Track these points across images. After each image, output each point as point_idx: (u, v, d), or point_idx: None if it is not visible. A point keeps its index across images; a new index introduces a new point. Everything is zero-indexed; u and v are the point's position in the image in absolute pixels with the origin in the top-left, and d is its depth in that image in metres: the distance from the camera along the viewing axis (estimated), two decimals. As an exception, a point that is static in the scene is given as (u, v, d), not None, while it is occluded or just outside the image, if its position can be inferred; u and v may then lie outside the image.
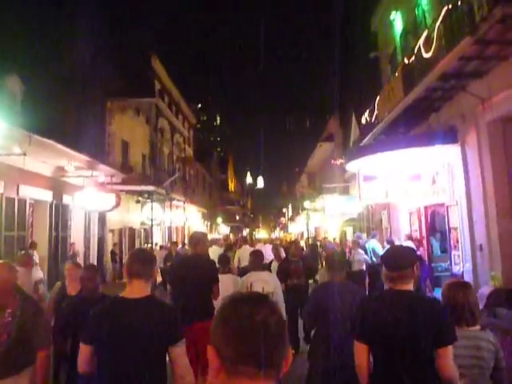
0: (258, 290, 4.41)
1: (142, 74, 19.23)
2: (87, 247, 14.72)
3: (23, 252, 7.46)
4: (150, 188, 16.77)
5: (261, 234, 76.02)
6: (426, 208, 11.64)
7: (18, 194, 10.90)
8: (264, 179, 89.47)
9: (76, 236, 14.18)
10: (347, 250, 13.42)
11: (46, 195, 12.35)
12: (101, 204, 12.59)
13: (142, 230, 21.15)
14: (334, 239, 21.40)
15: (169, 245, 21.92)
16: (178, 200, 21.81)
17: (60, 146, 10.81)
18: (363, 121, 14.37)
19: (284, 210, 77.56)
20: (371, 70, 16.10)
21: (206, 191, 40.50)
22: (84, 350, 2.40)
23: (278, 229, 79.72)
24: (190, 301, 3.98)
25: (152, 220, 17.59)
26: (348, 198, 17.81)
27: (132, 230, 19.27)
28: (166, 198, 19.33)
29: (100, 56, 17.50)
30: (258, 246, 12.85)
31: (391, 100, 10.84)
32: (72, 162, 11.90)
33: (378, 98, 12.06)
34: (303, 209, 37.39)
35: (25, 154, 8.88)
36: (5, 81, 13.50)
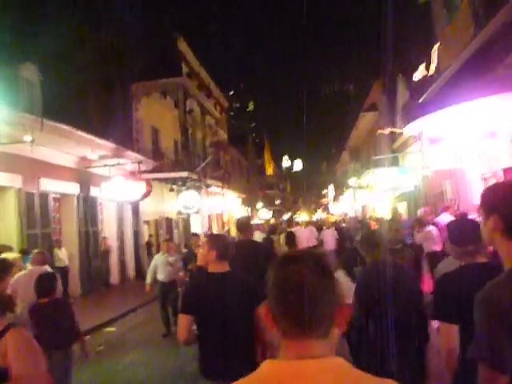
0: None
1: (167, 56, 18.00)
2: (121, 241, 13.77)
3: (37, 251, 6.37)
4: (184, 174, 15.61)
5: (302, 216, 74.54)
6: (505, 171, 9.72)
7: (38, 188, 9.94)
8: (302, 161, 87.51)
9: (108, 230, 13.24)
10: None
11: (72, 188, 11.39)
12: (130, 193, 11.51)
13: (180, 220, 20.15)
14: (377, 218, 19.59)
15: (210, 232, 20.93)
16: (215, 186, 20.62)
17: (80, 133, 9.76)
18: (415, 78, 12.43)
19: (324, 191, 75.58)
20: (420, 19, 14.05)
21: (244, 176, 39.27)
22: (183, 319, 2.67)
23: (319, 210, 77.96)
24: None
25: (189, 208, 16.50)
26: (401, 170, 15.94)
27: (169, 220, 18.28)
28: (201, 185, 18.17)
29: (122, 39, 16.38)
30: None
31: (457, 43, 9.00)
32: (96, 151, 10.83)
33: (438, 45, 10.19)
34: (347, 187, 35.50)
35: (33, 141, 7.78)
36: (20, 69, 12.58)
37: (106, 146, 11.06)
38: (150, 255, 14.89)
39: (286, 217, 59.13)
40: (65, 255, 10.41)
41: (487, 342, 1.32)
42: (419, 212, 16.43)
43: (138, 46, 16.86)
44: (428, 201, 15.78)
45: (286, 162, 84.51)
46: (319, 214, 72.30)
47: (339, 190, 48.22)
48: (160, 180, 16.86)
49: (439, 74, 10.36)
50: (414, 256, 8.15)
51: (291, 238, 5.01)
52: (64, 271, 10.39)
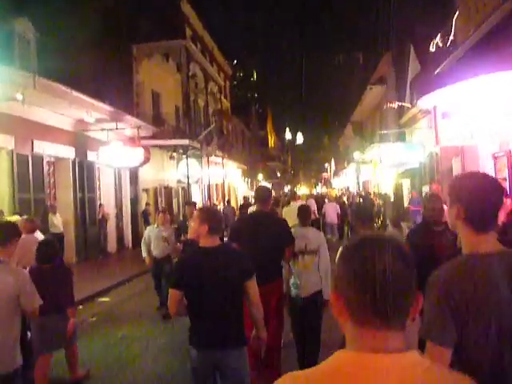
0: (301, 248, 4.12)
1: (170, 17, 17.21)
2: (119, 208, 13.46)
3: (25, 217, 6.06)
4: (185, 142, 15.15)
5: (302, 190, 74.31)
6: (518, 150, 9.31)
7: (32, 150, 9.54)
8: (304, 134, 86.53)
9: (105, 197, 12.91)
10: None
11: (67, 152, 10.98)
12: (128, 160, 11.11)
13: (180, 189, 19.81)
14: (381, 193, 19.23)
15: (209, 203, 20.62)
16: (216, 156, 20.17)
17: (75, 93, 9.25)
18: (432, 49, 11.81)
19: (326, 164, 74.96)
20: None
21: (246, 147, 38.69)
22: (173, 294, 2.71)
23: (320, 184, 77.60)
24: (260, 261, 3.37)
25: (189, 177, 16.13)
26: (408, 146, 15.48)
27: (168, 189, 17.94)
28: (202, 154, 17.73)
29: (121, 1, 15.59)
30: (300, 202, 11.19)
31: (477, 13, 8.40)
32: (92, 113, 10.35)
33: (457, 15, 9.56)
34: (349, 161, 35.01)
35: (24, 100, 7.33)
36: (15, 25, 11.93)
37: (104, 108, 10.55)
38: (147, 224, 14.63)
39: (286, 189, 58.88)
40: (59, 221, 10.11)
41: (434, 322, 1.43)
42: (425, 189, 16.12)
43: (140, 5, 16.08)
44: (434, 178, 15.40)
45: (288, 134, 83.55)
46: (320, 188, 72.04)
47: (341, 165, 47.73)
48: (160, 147, 16.40)
49: (456, 45, 9.79)
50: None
51: (306, 212, 4.45)
52: (59, 238, 10.11)
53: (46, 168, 10.12)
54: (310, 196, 20.01)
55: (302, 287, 4.01)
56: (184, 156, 16.69)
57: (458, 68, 9.20)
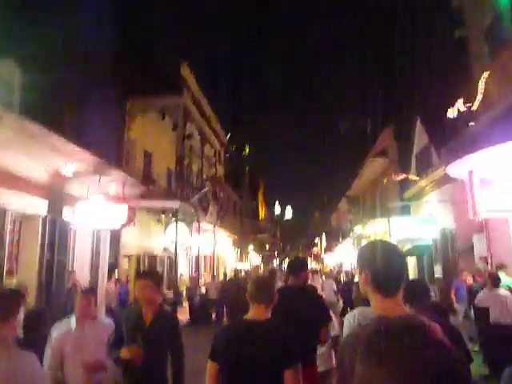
0: None
1: (168, 76, 16.60)
2: (94, 276, 11.59)
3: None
4: (176, 204, 13.71)
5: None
6: None
7: (-5, 201, 7.97)
8: (293, 208, 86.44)
9: (80, 262, 11.12)
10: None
11: (38, 207, 9.40)
12: (109, 219, 9.53)
13: (166, 258, 18.01)
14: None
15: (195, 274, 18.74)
16: (208, 222, 18.66)
17: (52, 135, 7.90)
18: (451, 115, 10.95)
19: (317, 239, 73.61)
20: (452, 55, 12.87)
21: (237, 217, 37.37)
22: (211, 367, 2.55)
23: (309, 259, 75.75)
24: None
25: (177, 244, 14.47)
26: (421, 220, 14.19)
27: (153, 257, 16.17)
28: (193, 219, 16.24)
29: (120, 54, 14.97)
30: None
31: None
32: (71, 163, 8.96)
33: (486, 75, 8.76)
34: (344, 236, 33.65)
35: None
36: (-1, 66, 10.93)
37: (85, 157, 9.19)
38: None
39: (275, 262, 56.84)
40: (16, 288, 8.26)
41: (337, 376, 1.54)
42: (437, 269, 14.57)
43: (138, 60, 15.46)
44: (448, 257, 13.96)
45: (277, 208, 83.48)
46: (309, 264, 70.07)
47: (334, 240, 46.35)
48: (148, 211, 14.93)
49: (485, 107, 8.90)
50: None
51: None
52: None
53: (8, 223, 8.47)
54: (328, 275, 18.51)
55: None
56: (173, 219, 15.19)
57: (498, 128, 8.16)
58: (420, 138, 17.01)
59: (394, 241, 16.21)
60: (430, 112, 15.58)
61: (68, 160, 9.00)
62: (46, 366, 3.24)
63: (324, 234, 61.08)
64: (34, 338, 3.63)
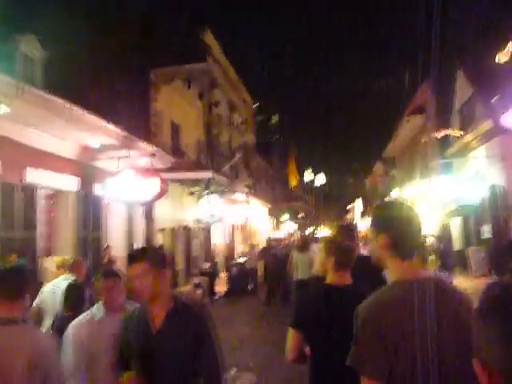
0: None
1: (191, 44, 15.96)
2: (130, 251, 11.51)
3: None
4: (208, 174, 13.38)
5: (323, 231, 71.75)
6: None
7: (22, 179, 7.82)
8: (326, 175, 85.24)
9: (114, 237, 11.05)
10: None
11: (69, 183, 9.25)
12: (140, 192, 9.28)
13: (200, 229, 17.90)
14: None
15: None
16: (242, 192, 18.33)
17: (76, 109, 7.59)
18: (501, 59, 9.91)
19: (349, 205, 72.50)
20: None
21: (269, 185, 36.97)
22: (294, 337, 2.29)
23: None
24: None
25: (211, 216, 14.23)
26: (468, 178, 13.27)
27: (187, 229, 16.05)
28: (226, 189, 15.92)
29: (142, 23, 14.44)
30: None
31: None
32: (98, 136, 8.69)
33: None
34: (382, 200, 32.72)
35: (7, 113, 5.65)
36: (20, 42, 10.65)
37: (113, 132, 8.90)
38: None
39: (309, 230, 56.58)
40: (53, 267, 8.21)
41: (365, 353, 1.44)
42: (486, 229, 13.74)
43: (159, 30, 14.89)
44: (499, 216, 13.10)
45: (308, 175, 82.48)
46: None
47: (370, 205, 45.35)
48: (180, 182, 14.68)
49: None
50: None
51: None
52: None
53: (38, 201, 8.35)
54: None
55: None
56: (205, 192, 14.91)
57: None
58: (462, 90, 15.83)
59: (437, 202, 15.40)
60: (474, 61, 14.38)
61: (94, 134, 8.73)
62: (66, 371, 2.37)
63: (360, 199, 59.97)
64: (75, 313, 3.17)
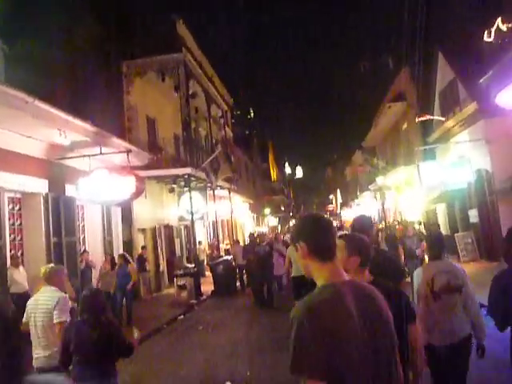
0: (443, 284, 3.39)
1: (164, 34, 15.21)
2: (109, 255, 10.84)
3: None
4: (186, 170, 12.79)
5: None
6: None
7: (-16, 182, 7.11)
8: (304, 166, 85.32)
9: (91, 241, 10.38)
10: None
11: (37, 185, 8.53)
12: (115, 192, 8.64)
13: (182, 228, 17.30)
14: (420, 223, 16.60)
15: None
16: (222, 188, 17.77)
17: (39, 103, 6.91)
18: (487, 38, 9.59)
19: (331, 196, 72.72)
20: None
21: (250, 180, 36.47)
22: None
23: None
24: None
25: (192, 213, 13.65)
26: (454, 163, 13.04)
27: (169, 228, 15.44)
28: (206, 185, 15.35)
29: (112, 14, 13.63)
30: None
31: None
32: (66, 133, 8.00)
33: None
34: (362, 190, 32.68)
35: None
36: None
37: (81, 127, 8.21)
38: (144, 271, 12.02)
39: (290, 223, 56.46)
40: (24, 277, 7.54)
41: (307, 357, 1.46)
42: (472, 213, 13.53)
43: (130, 21, 14.13)
44: (485, 200, 12.93)
45: (287, 168, 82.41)
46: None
47: (350, 195, 45.42)
48: (158, 180, 14.04)
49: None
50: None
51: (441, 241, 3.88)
52: (24, 298, 7.52)
53: (4, 205, 7.63)
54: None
55: (446, 333, 3.34)
56: (185, 189, 14.31)
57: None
58: (443, 74, 15.60)
59: (423, 187, 15.16)
60: (455, 43, 14.13)
61: (62, 131, 8.03)
62: None
63: (338, 190, 60.12)
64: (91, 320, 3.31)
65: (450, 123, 14.32)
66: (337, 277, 1.63)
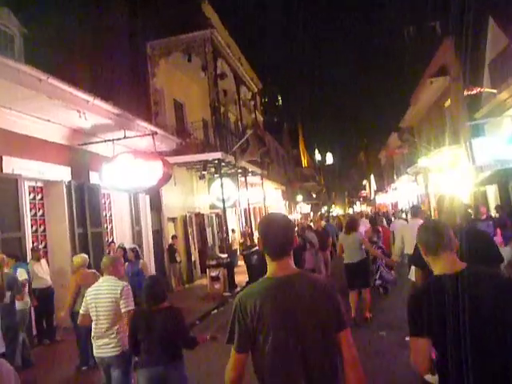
0: None
1: (189, 14, 14.43)
2: (137, 246, 10.30)
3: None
4: (217, 155, 12.08)
5: (336, 211, 70.70)
6: None
7: (1, 169, 6.59)
8: (334, 152, 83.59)
9: (119, 232, 9.85)
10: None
11: (60, 173, 8.00)
12: (141, 178, 8.00)
13: (214, 216, 16.68)
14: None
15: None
16: (254, 175, 16.99)
17: (52, 81, 6.30)
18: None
19: (364, 181, 70.88)
20: None
21: (281, 166, 35.56)
22: (420, 344, 2.01)
23: (358, 203, 73.79)
24: None
25: (224, 200, 12.96)
26: (506, 139, 11.73)
27: (200, 217, 14.82)
28: (237, 171, 14.62)
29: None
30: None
31: None
32: (86, 114, 7.39)
33: None
34: (399, 174, 31.20)
35: None
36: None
37: (103, 109, 7.60)
38: (175, 263, 11.44)
39: (322, 211, 55.39)
40: (46, 271, 7.04)
41: (233, 332, 1.87)
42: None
43: (155, 1, 13.39)
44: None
45: (317, 155, 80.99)
46: (358, 207, 68.05)
47: (386, 179, 43.78)
48: (188, 166, 13.40)
49: None
50: None
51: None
52: (47, 293, 7.05)
53: (23, 194, 7.10)
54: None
55: None
56: (217, 175, 13.62)
57: None
58: (494, 42, 14.16)
59: (476, 166, 13.89)
60: (509, 5, 12.69)
61: (83, 113, 7.42)
62: None
63: (372, 175, 58.32)
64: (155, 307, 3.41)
65: (503, 95, 12.95)
66: (280, 272, 1.88)
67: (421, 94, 20.61)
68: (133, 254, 7.57)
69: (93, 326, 3.85)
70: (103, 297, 3.82)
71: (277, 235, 1.88)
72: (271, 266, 1.89)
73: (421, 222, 6.35)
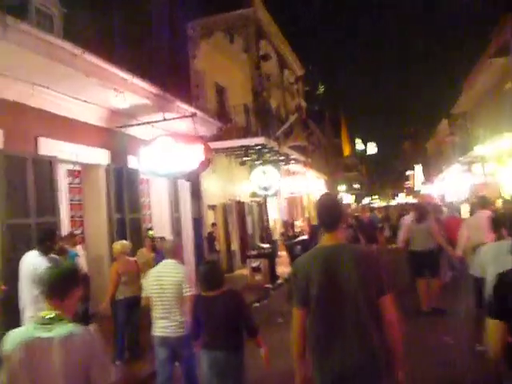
0: None
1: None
2: (177, 233, 9.95)
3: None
4: (259, 140, 11.52)
5: (377, 202, 68.75)
6: None
7: (36, 151, 6.31)
8: (378, 142, 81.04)
9: (157, 218, 9.52)
10: None
11: (99, 156, 7.70)
12: (181, 163, 7.56)
13: (254, 205, 16.19)
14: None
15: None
16: (296, 161, 16.32)
17: (87, 56, 5.91)
18: None
19: (408, 172, 68.42)
20: None
21: (323, 156, 34.60)
22: (498, 327, 2.07)
23: (402, 194, 71.39)
24: None
25: (266, 188, 12.41)
26: None
27: (240, 205, 14.36)
28: (279, 158, 14.01)
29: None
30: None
31: None
32: (123, 93, 6.99)
33: None
34: (448, 164, 29.48)
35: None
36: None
37: (141, 88, 7.18)
38: (214, 251, 11.03)
39: (364, 202, 53.92)
40: (83, 257, 6.76)
41: (292, 291, 2.37)
42: None
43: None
44: None
45: (359, 145, 78.94)
46: (402, 199, 65.83)
47: (433, 169, 41.78)
48: (227, 152, 12.94)
49: None
50: None
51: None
52: (84, 281, 6.75)
53: (59, 178, 6.83)
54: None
55: None
56: (258, 162, 13.08)
57: None
58: None
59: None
60: None
61: (120, 92, 7.03)
62: None
63: (419, 165, 55.96)
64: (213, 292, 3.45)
65: None
66: (330, 242, 2.30)
67: (478, 76, 19.10)
68: (161, 244, 7.14)
69: (156, 307, 3.92)
70: (168, 278, 3.93)
71: (329, 210, 2.33)
72: (324, 238, 2.32)
73: (489, 213, 5.61)
